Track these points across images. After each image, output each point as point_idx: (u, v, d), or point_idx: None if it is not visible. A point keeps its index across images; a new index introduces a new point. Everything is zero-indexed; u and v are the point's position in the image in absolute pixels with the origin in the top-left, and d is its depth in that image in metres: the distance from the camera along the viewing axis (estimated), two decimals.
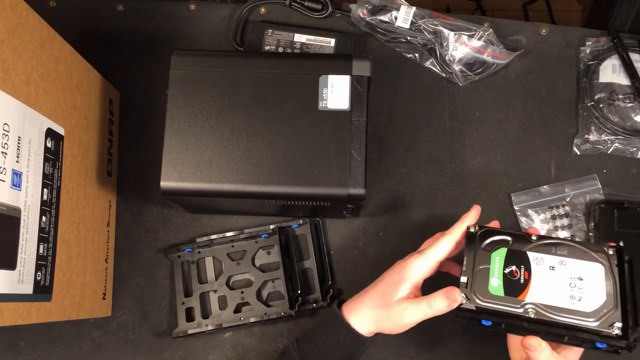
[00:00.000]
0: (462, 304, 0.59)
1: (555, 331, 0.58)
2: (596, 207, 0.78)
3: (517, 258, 0.60)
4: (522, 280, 0.59)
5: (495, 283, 0.59)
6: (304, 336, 0.69)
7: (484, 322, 0.59)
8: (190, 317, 0.78)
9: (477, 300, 0.58)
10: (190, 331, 0.78)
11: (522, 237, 0.61)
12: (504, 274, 0.59)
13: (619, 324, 0.56)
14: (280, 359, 0.69)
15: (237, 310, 0.78)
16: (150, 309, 0.80)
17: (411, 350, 0.78)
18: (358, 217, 0.80)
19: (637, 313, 0.57)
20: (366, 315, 0.65)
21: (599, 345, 0.57)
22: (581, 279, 0.59)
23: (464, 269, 0.60)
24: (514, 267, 0.60)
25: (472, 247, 0.61)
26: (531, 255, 0.60)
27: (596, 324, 0.57)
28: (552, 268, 0.59)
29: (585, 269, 0.59)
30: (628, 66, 0.79)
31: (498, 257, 0.60)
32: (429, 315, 0.61)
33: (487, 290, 0.59)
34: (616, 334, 0.56)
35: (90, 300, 0.73)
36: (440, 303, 0.59)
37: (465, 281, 0.59)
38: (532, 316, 0.58)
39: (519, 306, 0.58)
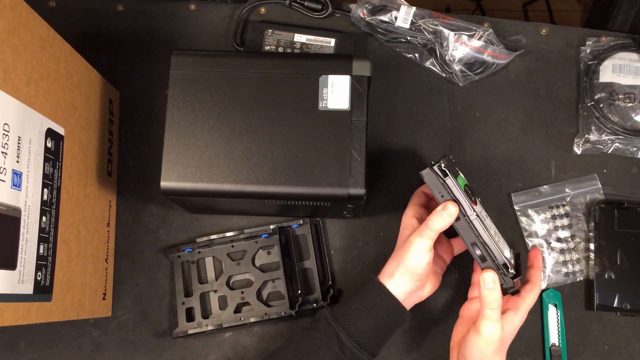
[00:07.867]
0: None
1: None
2: (596, 207, 0.78)
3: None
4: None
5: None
6: (339, 303, 0.73)
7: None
8: (190, 317, 0.78)
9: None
10: (190, 331, 0.78)
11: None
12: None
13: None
14: (313, 322, 0.69)
15: (237, 310, 0.78)
16: (151, 309, 0.80)
17: (411, 350, 0.78)
18: (358, 217, 0.80)
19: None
20: (394, 272, 0.68)
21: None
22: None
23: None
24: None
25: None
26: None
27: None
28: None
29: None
30: None
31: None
32: (433, 235, 0.65)
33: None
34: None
35: (91, 300, 0.73)
36: (438, 219, 0.64)
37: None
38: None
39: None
